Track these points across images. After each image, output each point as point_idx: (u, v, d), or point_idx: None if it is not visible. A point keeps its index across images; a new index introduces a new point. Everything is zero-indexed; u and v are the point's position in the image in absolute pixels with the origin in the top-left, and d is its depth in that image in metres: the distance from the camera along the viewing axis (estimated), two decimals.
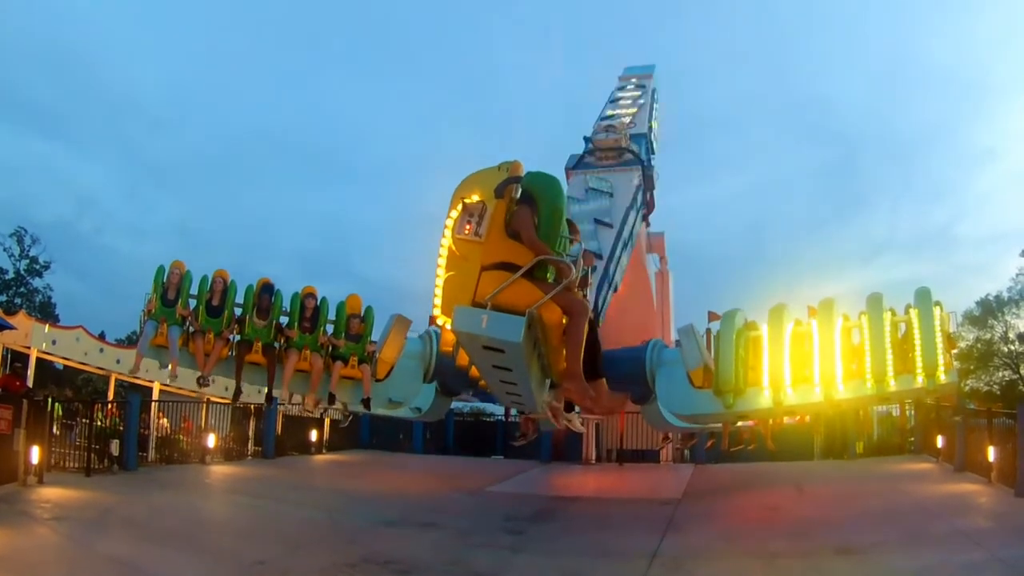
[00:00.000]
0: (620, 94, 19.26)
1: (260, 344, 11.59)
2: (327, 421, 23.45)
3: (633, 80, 19.77)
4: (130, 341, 43.15)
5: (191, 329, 11.44)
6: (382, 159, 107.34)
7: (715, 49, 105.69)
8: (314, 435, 21.93)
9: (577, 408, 8.73)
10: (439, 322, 6.98)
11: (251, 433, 20.45)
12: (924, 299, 10.46)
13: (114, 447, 14.59)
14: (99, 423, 15.41)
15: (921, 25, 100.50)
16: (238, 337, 11.63)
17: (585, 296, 7.84)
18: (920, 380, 10.21)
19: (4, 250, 43.93)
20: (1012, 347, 37.93)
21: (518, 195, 6.88)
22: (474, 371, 8.26)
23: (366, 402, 12.02)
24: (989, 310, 38.78)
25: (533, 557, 9.16)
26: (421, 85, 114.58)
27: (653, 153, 18.16)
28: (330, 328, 12.08)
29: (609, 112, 18.04)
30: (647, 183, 16.71)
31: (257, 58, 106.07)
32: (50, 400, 14.07)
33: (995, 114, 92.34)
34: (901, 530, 9.51)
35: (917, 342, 10.23)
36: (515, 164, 7.00)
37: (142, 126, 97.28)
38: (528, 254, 6.60)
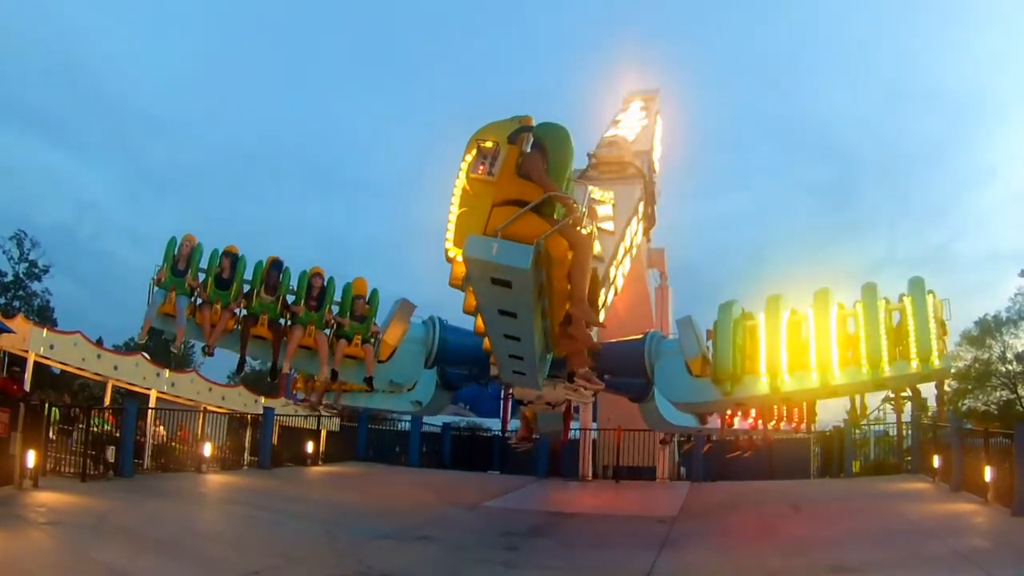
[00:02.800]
0: (624, 115, 19.43)
1: (266, 318, 11.77)
2: (324, 432, 23.45)
3: (637, 101, 19.97)
4: (128, 348, 43.15)
5: (199, 301, 11.58)
6: (383, 173, 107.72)
7: (715, 67, 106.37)
8: (310, 446, 21.89)
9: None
10: (450, 254, 7.36)
11: (247, 443, 20.42)
12: (917, 287, 10.62)
13: (110, 453, 14.57)
14: (96, 429, 15.38)
15: (921, 44, 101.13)
16: (245, 312, 11.81)
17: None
18: (915, 365, 10.30)
19: (3, 253, 43.87)
20: (1010, 367, 37.88)
21: (530, 143, 7.37)
22: (479, 323, 8.50)
23: (368, 381, 12.22)
24: (987, 330, 38.76)
25: (528, 573, 9.15)
26: (424, 100, 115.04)
27: (655, 171, 18.29)
28: (336, 309, 12.27)
29: (612, 131, 18.15)
30: (649, 198, 16.80)
31: (259, 69, 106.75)
32: (47, 405, 14.06)
33: (995, 133, 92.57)
34: (897, 549, 9.51)
35: (911, 328, 10.34)
36: (527, 117, 7.52)
37: (143, 132, 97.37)
38: (537, 192, 7.03)
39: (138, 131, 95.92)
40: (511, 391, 12.58)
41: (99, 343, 27.61)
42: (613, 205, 13.04)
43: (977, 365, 38.40)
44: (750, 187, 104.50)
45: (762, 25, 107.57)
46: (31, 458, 11.80)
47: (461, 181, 7.41)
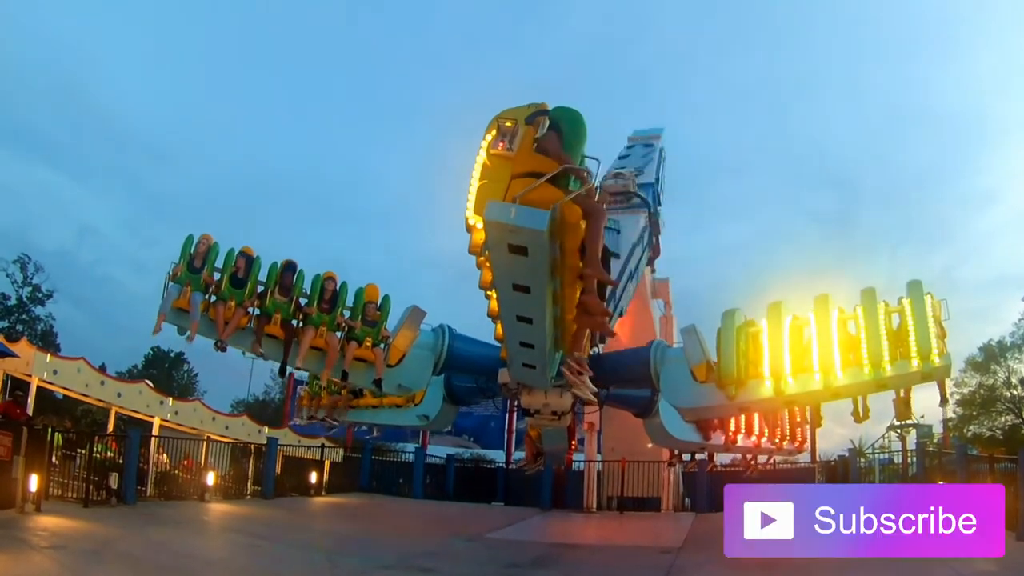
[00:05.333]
0: (629, 151, 19.86)
1: (279, 317, 11.98)
2: (327, 463, 23.37)
3: (642, 140, 20.43)
4: (131, 375, 43.10)
5: (213, 298, 11.76)
6: (385, 201, 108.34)
7: (716, 97, 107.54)
8: (314, 477, 21.81)
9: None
10: (471, 222, 7.88)
11: (250, 472, 20.34)
12: (915, 289, 10.75)
13: (113, 480, 14.53)
14: (98, 455, 15.37)
15: (920, 69, 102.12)
16: (258, 312, 12.02)
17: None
18: (915, 363, 10.37)
19: (7, 276, 43.98)
20: (1015, 392, 37.70)
21: (546, 125, 8.01)
22: (492, 305, 9.08)
23: (377, 383, 12.45)
24: (992, 355, 38.61)
25: None
26: (425, 129, 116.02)
27: (659, 204, 18.62)
28: (347, 314, 12.50)
29: (618, 164, 18.47)
30: (653, 228, 17.09)
31: (260, 97, 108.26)
32: (50, 430, 14.07)
33: (995, 156, 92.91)
34: (902, 573, 9.40)
35: (911, 328, 10.43)
36: (543, 104, 8.22)
37: (144, 158, 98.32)
38: (553, 166, 7.62)
39: (140, 157, 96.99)
40: (518, 401, 12.74)
41: (102, 369, 27.65)
42: (618, 232, 13.25)
43: (982, 391, 38.25)
44: (752, 216, 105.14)
45: (762, 55, 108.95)
46: (33, 482, 11.79)
47: (481, 157, 8.00)
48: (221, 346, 11.87)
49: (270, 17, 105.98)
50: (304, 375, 18.30)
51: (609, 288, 10.11)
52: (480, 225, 7.60)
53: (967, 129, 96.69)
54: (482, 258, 8.58)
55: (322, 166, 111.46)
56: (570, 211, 7.54)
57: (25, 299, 44.51)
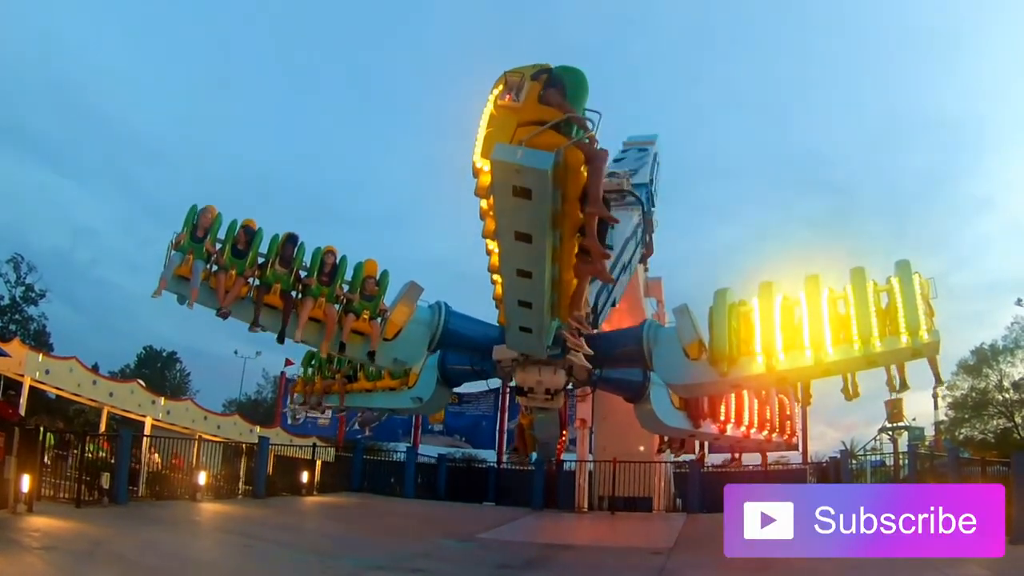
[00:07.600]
0: (623, 155, 20.00)
1: (279, 288, 12.13)
2: (319, 462, 23.31)
3: (636, 145, 20.60)
4: (123, 375, 42.90)
5: (214, 268, 11.86)
6: (379, 205, 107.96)
7: (711, 102, 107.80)
8: (305, 476, 21.77)
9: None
10: (478, 165, 8.22)
11: (242, 472, 20.28)
12: (904, 269, 10.90)
13: (105, 480, 14.47)
14: (90, 455, 15.29)
15: (917, 76, 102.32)
16: (258, 282, 12.15)
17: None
18: (904, 339, 10.48)
19: (0, 275, 43.74)
20: (1007, 395, 37.84)
21: (550, 82, 8.47)
22: (493, 260, 9.36)
23: (372, 355, 12.61)
24: (984, 359, 38.77)
25: None
26: (420, 134, 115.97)
27: (653, 206, 18.74)
28: (346, 287, 12.65)
29: (612, 166, 18.57)
30: (647, 226, 17.18)
31: (257, 98, 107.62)
32: (42, 430, 13.98)
33: (991, 163, 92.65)
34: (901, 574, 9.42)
35: (899, 306, 10.56)
36: (547, 64, 8.71)
37: (140, 159, 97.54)
38: (558, 115, 8.11)
39: (137, 159, 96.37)
40: (511, 381, 12.84)
41: (95, 369, 27.52)
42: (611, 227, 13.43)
43: (974, 394, 38.40)
44: (746, 220, 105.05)
45: (758, 59, 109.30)
46: (25, 483, 11.75)
47: (488, 108, 8.45)
48: (222, 313, 11.94)
49: (268, 19, 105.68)
50: (295, 373, 18.29)
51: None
52: (487, 168, 7.92)
53: (963, 135, 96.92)
54: (485, 205, 8.82)
55: (320, 168, 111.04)
56: (573, 155, 7.94)
57: (18, 299, 44.29)
